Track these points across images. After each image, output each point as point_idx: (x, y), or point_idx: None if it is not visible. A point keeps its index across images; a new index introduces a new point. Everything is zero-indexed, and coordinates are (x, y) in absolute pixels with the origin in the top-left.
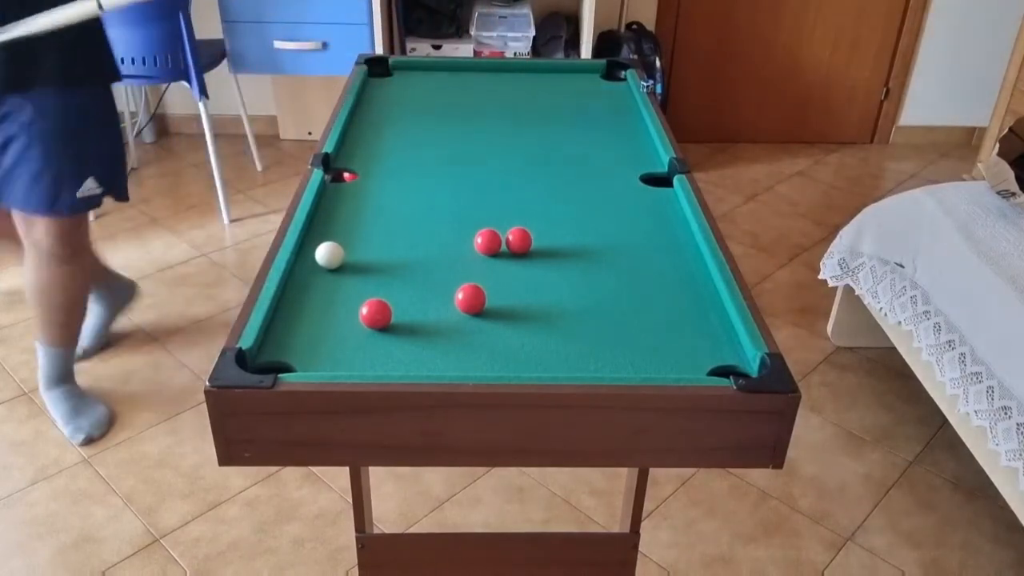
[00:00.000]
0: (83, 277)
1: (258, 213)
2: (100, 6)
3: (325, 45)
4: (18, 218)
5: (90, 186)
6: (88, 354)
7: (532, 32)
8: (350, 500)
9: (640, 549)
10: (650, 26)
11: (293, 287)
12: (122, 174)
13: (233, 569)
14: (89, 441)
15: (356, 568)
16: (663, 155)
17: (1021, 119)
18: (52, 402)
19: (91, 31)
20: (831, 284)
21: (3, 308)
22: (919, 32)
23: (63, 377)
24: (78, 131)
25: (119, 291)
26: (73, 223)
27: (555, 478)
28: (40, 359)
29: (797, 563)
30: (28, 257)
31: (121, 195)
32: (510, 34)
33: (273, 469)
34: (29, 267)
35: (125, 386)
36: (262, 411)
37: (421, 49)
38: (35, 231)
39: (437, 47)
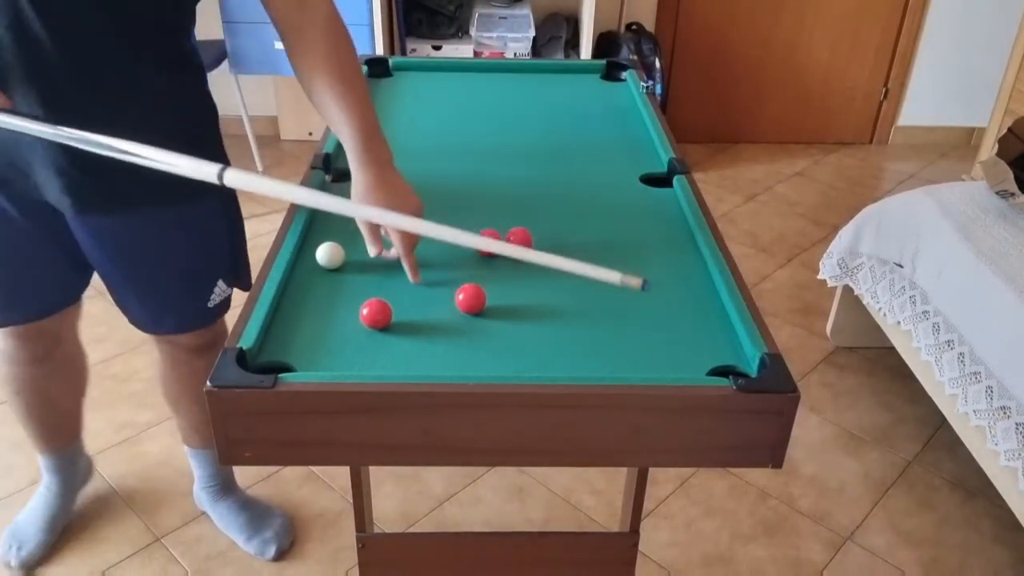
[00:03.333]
0: None
1: (258, 213)
2: (220, 180)
3: None
4: (162, 338)
5: (220, 290)
6: (29, 566)
7: (532, 33)
8: (350, 500)
9: (640, 549)
10: (650, 27)
11: (293, 287)
12: (246, 264)
13: (233, 569)
14: (281, 554)
15: (356, 568)
16: (663, 155)
17: (1020, 119)
18: (224, 517)
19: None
20: (830, 284)
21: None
22: (919, 32)
23: (229, 483)
24: (202, 244)
25: (81, 462)
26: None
27: (555, 478)
28: (196, 468)
29: (796, 563)
30: (162, 358)
31: (246, 285)
32: (510, 35)
33: (273, 469)
34: (165, 367)
35: (126, 385)
36: (262, 411)
37: (421, 50)
38: (186, 342)
39: (437, 48)
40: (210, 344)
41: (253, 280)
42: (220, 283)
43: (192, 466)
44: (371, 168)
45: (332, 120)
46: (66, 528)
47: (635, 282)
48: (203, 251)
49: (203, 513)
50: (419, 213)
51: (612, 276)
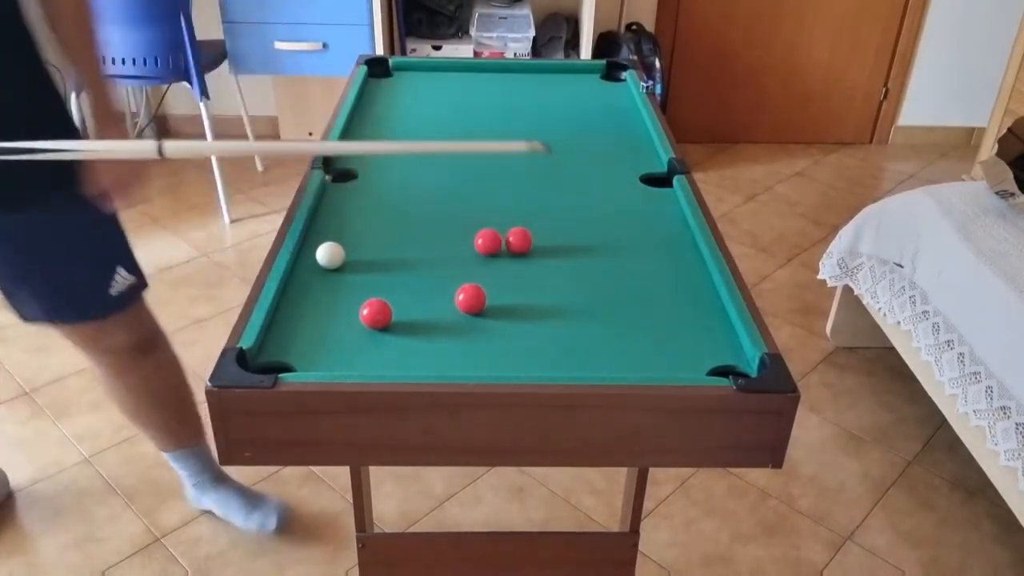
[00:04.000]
0: (173, 359)
1: (259, 213)
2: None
3: (325, 46)
4: (82, 338)
5: (121, 278)
6: None
7: (532, 33)
8: (350, 500)
9: (640, 549)
10: (650, 27)
11: (293, 287)
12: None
13: (233, 569)
14: (283, 524)
15: (356, 568)
16: (663, 155)
17: (1020, 119)
18: (220, 504)
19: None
20: (830, 284)
21: (3, 308)
22: (919, 32)
23: (217, 474)
24: (94, 227)
25: None
26: (126, 314)
27: (555, 478)
28: (179, 469)
29: (796, 563)
30: (105, 372)
31: (139, 274)
32: (510, 35)
33: (273, 469)
34: (111, 379)
35: None
36: (262, 411)
37: (421, 50)
38: (106, 339)
39: (437, 48)
40: (150, 343)
41: (253, 280)
42: (121, 270)
43: (176, 469)
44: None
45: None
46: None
47: (539, 146)
48: (98, 237)
49: (203, 513)
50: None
51: (518, 146)
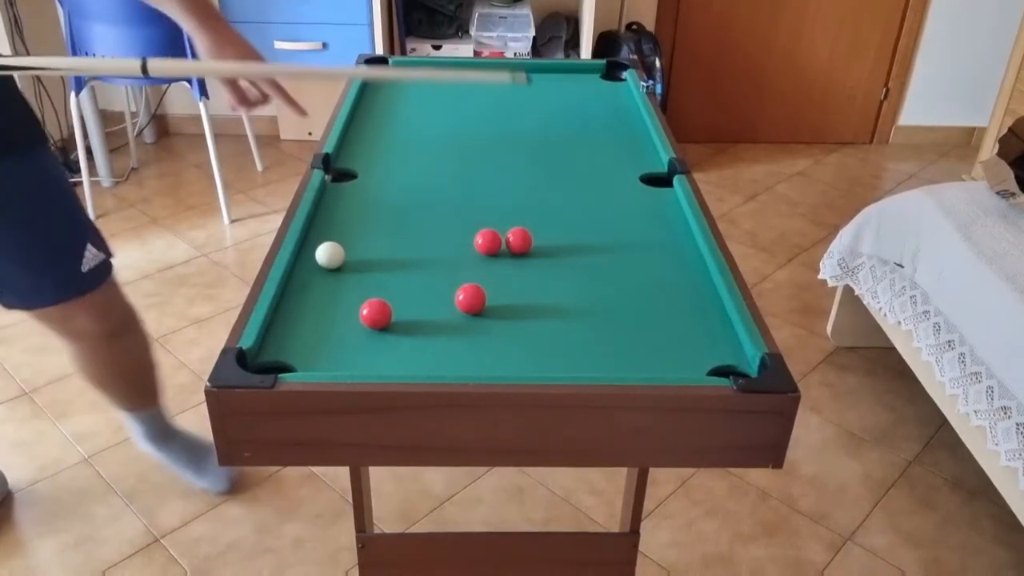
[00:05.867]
0: (143, 339)
1: (258, 213)
2: (144, 71)
3: (325, 45)
4: (46, 319)
5: (91, 255)
6: None
7: (532, 32)
8: (350, 500)
9: (640, 549)
10: (650, 26)
11: (293, 287)
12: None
13: (233, 569)
14: (233, 485)
15: (356, 568)
16: (663, 155)
17: (1021, 119)
18: (170, 459)
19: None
20: (831, 284)
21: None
22: (919, 32)
23: (168, 431)
24: (54, 197)
25: None
26: (101, 295)
27: (555, 478)
28: (133, 425)
29: (797, 563)
30: (77, 350)
31: (106, 250)
32: (510, 34)
33: (273, 469)
34: (84, 359)
35: None
36: (262, 411)
37: (421, 49)
38: (78, 321)
39: (437, 47)
40: (123, 326)
41: (252, 280)
42: (89, 247)
43: (128, 425)
44: (213, 26)
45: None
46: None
47: (520, 77)
48: (62, 215)
49: (203, 513)
50: (260, 58)
51: (501, 76)
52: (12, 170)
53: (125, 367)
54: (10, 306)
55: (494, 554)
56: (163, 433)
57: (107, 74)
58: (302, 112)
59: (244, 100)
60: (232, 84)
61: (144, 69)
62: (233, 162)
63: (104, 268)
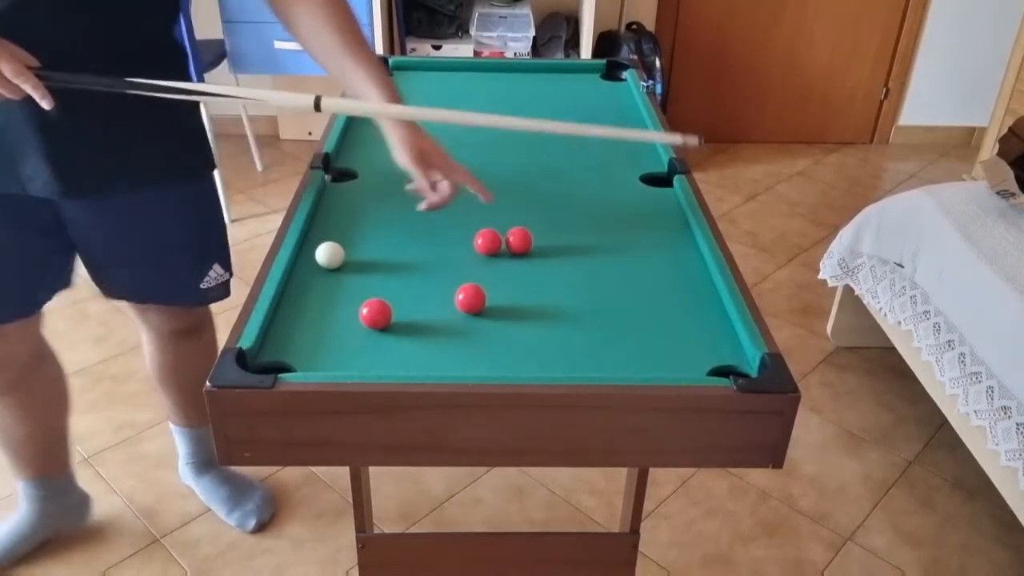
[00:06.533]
0: (213, 347)
1: (258, 213)
2: (317, 106)
3: None
4: (155, 316)
5: (216, 274)
6: None
7: (532, 32)
8: (350, 500)
9: (640, 549)
10: (650, 26)
11: (293, 287)
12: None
13: (233, 569)
14: (261, 527)
15: (356, 568)
16: (663, 155)
17: (1021, 119)
18: (206, 490)
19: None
20: (831, 284)
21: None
22: (919, 32)
23: (211, 457)
24: (209, 213)
25: (73, 500)
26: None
27: (555, 478)
28: (180, 444)
29: (797, 563)
30: (149, 340)
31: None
32: (510, 34)
33: (273, 469)
34: (151, 349)
35: (125, 386)
36: (262, 411)
37: (421, 49)
38: (178, 322)
39: (437, 47)
40: (196, 328)
41: (252, 280)
42: (216, 266)
43: (176, 442)
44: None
45: (351, 79)
46: (66, 528)
47: (692, 140)
48: (197, 231)
49: (203, 513)
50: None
51: (673, 138)
52: (173, 194)
53: (190, 371)
54: (115, 297)
55: (494, 554)
56: (207, 459)
57: (278, 106)
58: (488, 198)
59: (441, 199)
60: (425, 173)
61: (317, 106)
62: (233, 162)
63: (222, 288)
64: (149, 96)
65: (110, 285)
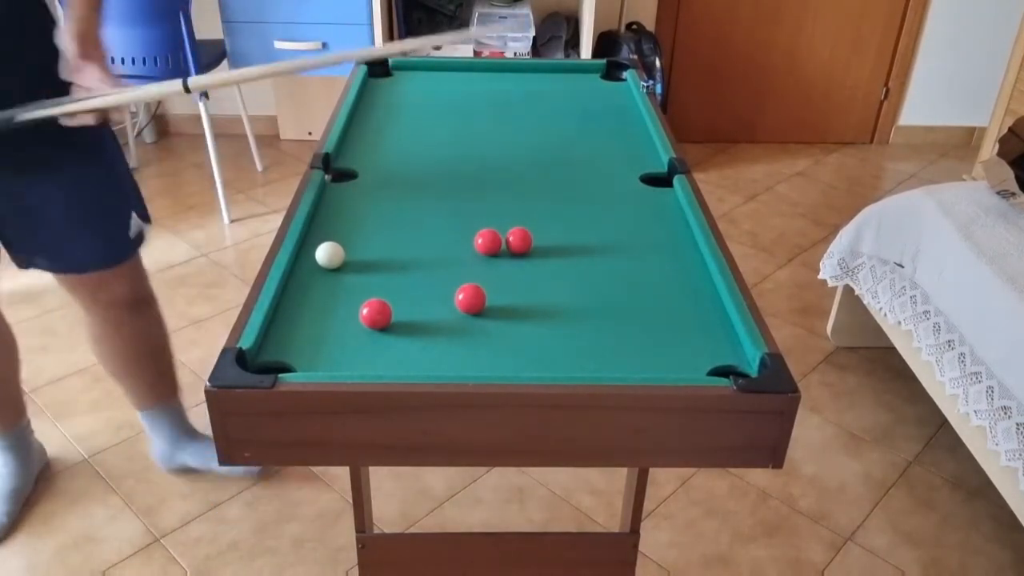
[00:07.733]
0: (161, 318)
1: (258, 213)
2: (186, 87)
3: (325, 45)
4: (80, 286)
5: (136, 224)
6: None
7: (532, 32)
8: (350, 500)
9: (640, 549)
10: (650, 26)
11: (293, 287)
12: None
13: (233, 569)
14: (262, 469)
15: (356, 568)
16: (663, 155)
17: (1021, 119)
18: (198, 455)
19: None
20: (831, 284)
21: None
22: (919, 32)
23: (190, 429)
24: (112, 171)
25: (34, 444)
26: (136, 263)
27: (555, 478)
28: (156, 429)
29: (797, 563)
30: (100, 327)
31: (148, 218)
32: (510, 34)
33: (273, 469)
34: (105, 333)
35: None
36: (262, 411)
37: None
38: (111, 289)
39: (437, 47)
40: (146, 300)
41: (252, 280)
42: (135, 216)
43: (149, 429)
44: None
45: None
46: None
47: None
48: (114, 185)
49: (203, 513)
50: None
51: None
52: (68, 162)
53: (145, 343)
54: (33, 267)
55: (494, 554)
56: (184, 431)
57: (151, 100)
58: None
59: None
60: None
61: (186, 87)
62: (233, 162)
63: (142, 236)
64: (26, 121)
65: (26, 256)
